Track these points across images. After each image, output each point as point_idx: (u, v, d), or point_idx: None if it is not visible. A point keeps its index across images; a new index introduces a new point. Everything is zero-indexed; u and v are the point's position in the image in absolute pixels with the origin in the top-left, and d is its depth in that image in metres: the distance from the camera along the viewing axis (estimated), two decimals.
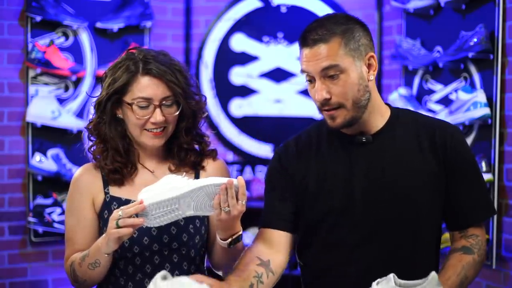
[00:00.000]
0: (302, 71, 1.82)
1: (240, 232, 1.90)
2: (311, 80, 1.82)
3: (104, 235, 1.85)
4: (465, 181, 1.86)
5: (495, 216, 3.08)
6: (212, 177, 1.82)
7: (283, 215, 1.90)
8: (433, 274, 1.65)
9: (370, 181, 1.84)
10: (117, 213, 1.80)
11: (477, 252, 1.86)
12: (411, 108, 3.32)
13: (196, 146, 2.07)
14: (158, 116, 1.93)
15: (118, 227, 1.79)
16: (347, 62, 1.78)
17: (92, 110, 2.05)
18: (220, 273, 2.02)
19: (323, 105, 1.81)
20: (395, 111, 1.92)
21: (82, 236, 1.99)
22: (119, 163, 1.99)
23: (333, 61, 1.77)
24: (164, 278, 1.64)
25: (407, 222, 1.83)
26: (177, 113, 1.96)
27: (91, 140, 2.04)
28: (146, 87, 1.93)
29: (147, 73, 1.93)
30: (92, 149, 2.04)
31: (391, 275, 1.64)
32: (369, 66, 1.82)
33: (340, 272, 1.88)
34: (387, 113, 1.90)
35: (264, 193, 1.99)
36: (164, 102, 1.94)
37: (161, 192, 1.78)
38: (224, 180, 1.78)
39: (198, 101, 2.01)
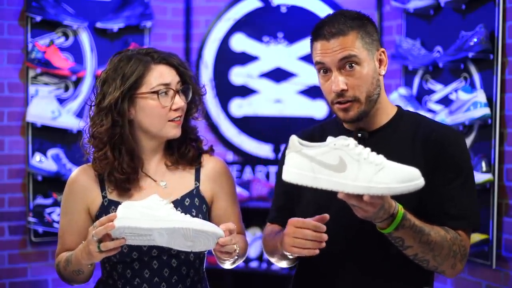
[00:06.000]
0: (317, 62, 1.83)
1: (237, 250, 1.87)
2: (326, 71, 1.82)
3: (83, 245, 1.83)
4: (452, 187, 1.81)
5: (495, 216, 3.08)
6: (194, 220, 1.76)
7: (287, 211, 1.91)
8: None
9: None
10: (90, 234, 1.78)
11: (452, 237, 1.78)
12: (411, 109, 3.32)
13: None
14: (179, 102, 1.93)
15: (101, 250, 1.77)
16: (364, 54, 1.81)
17: (92, 114, 1.98)
18: (225, 265, 2.01)
19: (338, 96, 1.82)
20: (400, 112, 1.92)
21: (71, 239, 1.99)
22: (130, 169, 1.95)
23: (351, 51, 1.79)
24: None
25: None
26: (189, 99, 1.97)
27: (99, 148, 1.95)
28: (163, 73, 1.93)
29: (160, 61, 1.94)
30: (100, 157, 1.96)
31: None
32: (380, 61, 1.85)
33: (327, 270, 1.88)
34: (391, 113, 1.91)
35: (275, 184, 2.05)
36: (179, 87, 1.95)
37: (138, 219, 1.75)
38: (204, 227, 1.75)
39: (201, 87, 2.04)
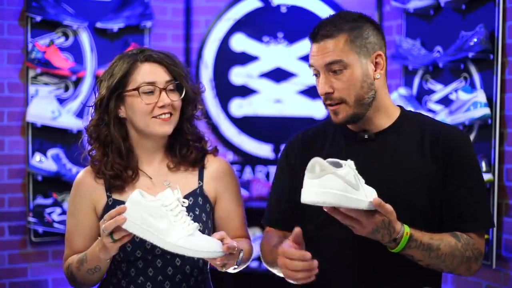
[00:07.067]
0: (310, 65, 1.85)
1: (241, 254, 1.89)
2: (317, 74, 1.84)
3: (99, 241, 1.84)
4: (463, 189, 1.83)
5: (495, 216, 3.08)
6: (190, 244, 1.76)
7: (288, 214, 1.91)
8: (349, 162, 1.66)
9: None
10: (101, 229, 1.78)
11: (463, 244, 1.80)
12: (412, 109, 3.32)
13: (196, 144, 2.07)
14: (165, 99, 1.94)
15: (114, 240, 1.77)
16: (352, 58, 1.80)
17: (91, 112, 2.03)
18: (229, 270, 2.01)
19: (326, 99, 1.84)
20: (404, 113, 1.92)
21: (80, 240, 1.99)
22: (119, 166, 1.97)
23: (337, 56, 1.79)
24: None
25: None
26: (182, 97, 1.98)
27: (91, 144, 2.02)
28: (148, 72, 1.95)
29: (146, 59, 1.96)
30: (92, 153, 2.02)
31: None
32: (376, 64, 1.84)
33: (330, 269, 1.87)
34: (395, 114, 1.90)
35: (272, 185, 2.04)
36: (168, 86, 1.95)
37: (140, 227, 1.75)
38: (198, 254, 1.76)
39: (197, 85, 2.04)
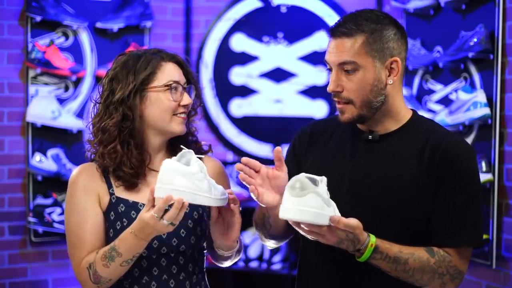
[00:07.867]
0: (324, 60, 1.84)
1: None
2: (330, 69, 1.83)
3: (137, 230, 1.80)
4: (454, 203, 1.77)
5: (495, 216, 3.08)
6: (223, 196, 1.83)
7: None
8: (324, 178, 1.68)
9: (360, 178, 1.83)
10: (159, 219, 1.77)
11: (437, 260, 1.76)
12: None
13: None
14: (188, 99, 1.97)
15: (174, 224, 1.77)
16: (366, 61, 1.78)
17: (97, 111, 1.98)
18: (223, 264, 2.02)
19: (334, 96, 1.83)
20: (414, 119, 1.88)
21: (93, 237, 1.92)
22: (138, 163, 1.94)
23: (351, 57, 1.77)
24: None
25: (386, 230, 1.77)
26: (192, 99, 2.01)
27: (109, 142, 1.94)
28: (173, 71, 1.97)
29: (170, 59, 1.98)
30: (109, 151, 1.94)
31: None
32: (390, 70, 1.81)
33: (322, 268, 1.88)
34: (404, 119, 1.87)
35: None
36: (185, 86, 1.99)
37: (197, 197, 1.78)
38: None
39: (201, 89, 2.08)
